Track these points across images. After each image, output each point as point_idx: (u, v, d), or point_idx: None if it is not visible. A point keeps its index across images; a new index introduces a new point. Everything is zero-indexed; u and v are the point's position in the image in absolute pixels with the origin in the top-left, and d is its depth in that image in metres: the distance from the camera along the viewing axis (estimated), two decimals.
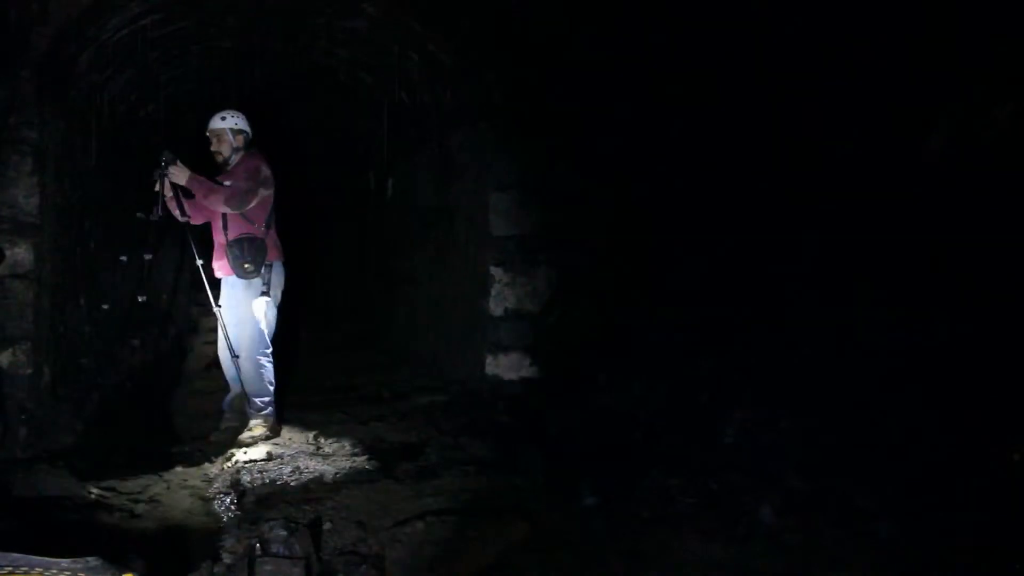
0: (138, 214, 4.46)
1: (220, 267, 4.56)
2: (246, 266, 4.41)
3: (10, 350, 4.32)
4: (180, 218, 4.44)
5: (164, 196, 4.29)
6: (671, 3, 4.98)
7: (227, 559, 2.86)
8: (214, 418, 4.83)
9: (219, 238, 4.53)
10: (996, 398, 3.14)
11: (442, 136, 6.23)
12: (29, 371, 4.38)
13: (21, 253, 4.39)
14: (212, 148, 4.58)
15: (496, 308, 5.16)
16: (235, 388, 4.67)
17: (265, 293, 4.50)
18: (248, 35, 6.05)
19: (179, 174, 4.28)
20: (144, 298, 4.70)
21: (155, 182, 4.28)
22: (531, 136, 5.10)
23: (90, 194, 5.54)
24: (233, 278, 4.49)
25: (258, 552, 2.87)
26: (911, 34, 3.92)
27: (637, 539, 2.93)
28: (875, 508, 2.93)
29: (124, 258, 4.43)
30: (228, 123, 4.53)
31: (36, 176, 4.42)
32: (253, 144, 4.65)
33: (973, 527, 2.70)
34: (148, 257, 4.50)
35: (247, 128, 4.58)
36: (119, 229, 6.43)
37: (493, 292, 5.15)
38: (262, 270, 4.45)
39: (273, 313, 4.59)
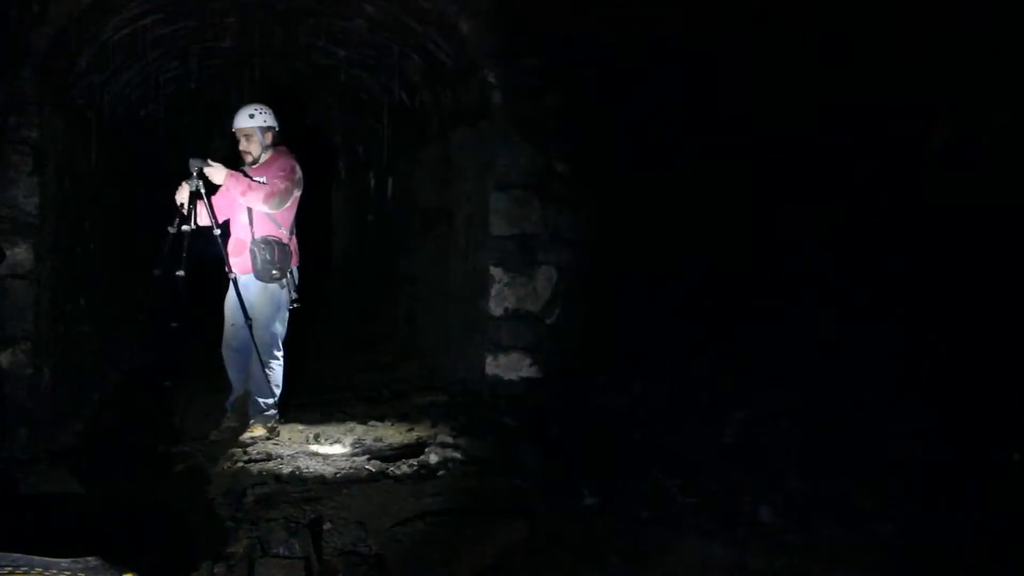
0: (169, 228, 4.22)
1: (238, 264, 4.42)
2: (274, 272, 4.29)
3: (10, 350, 4.32)
4: (215, 229, 4.24)
5: (195, 208, 4.13)
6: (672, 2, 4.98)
7: (227, 559, 2.86)
8: (214, 418, 4.83)
9: (243, 235, 4.40)
10: (996, 398, 3.14)
11: (442, 136, 6.23)
12: (29, 371, 4.38)
13: (21, 253, 4.39)
14: (241, 148, 4.41)
15: (496, 308, 5.15)
16: (237, 389, 4.66)
17: (295, 301, 4.44)
18: (249, 35, 6.05)
19: (216, 173, 4.11)
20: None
21: (189, 195, 4.11)
22: (531, 136, 5.10)
23: (90, 194, 5.55)
24: (249, 277, 4.41)
25: (258, 552, 2.87)
26: (911, 34, 3.92)
27: (637, 539, 2.93)
28: (875, 508, 2.93)
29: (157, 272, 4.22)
30: (257, 121, 4.33)
31: (36, 176, 4.41)
32: (281, 139, 4.48)
33: (973, 527, 2.71)
34: (157, 272, 4.25)
35: (275, 123, 4.41)
36: (124, 230, 6.44)
37: (493, 292, 5.15)
38: (285, 276, 4.38)
39: (286, 317, 4.54)
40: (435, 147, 6.43)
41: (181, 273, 4.21)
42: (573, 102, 5.11)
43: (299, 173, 4.37)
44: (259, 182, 4.26)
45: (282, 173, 4.27)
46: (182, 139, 8.31)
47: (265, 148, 4.41)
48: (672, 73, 5.04)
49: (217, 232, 4.28)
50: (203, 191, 4.16)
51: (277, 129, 4.44)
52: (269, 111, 4.41)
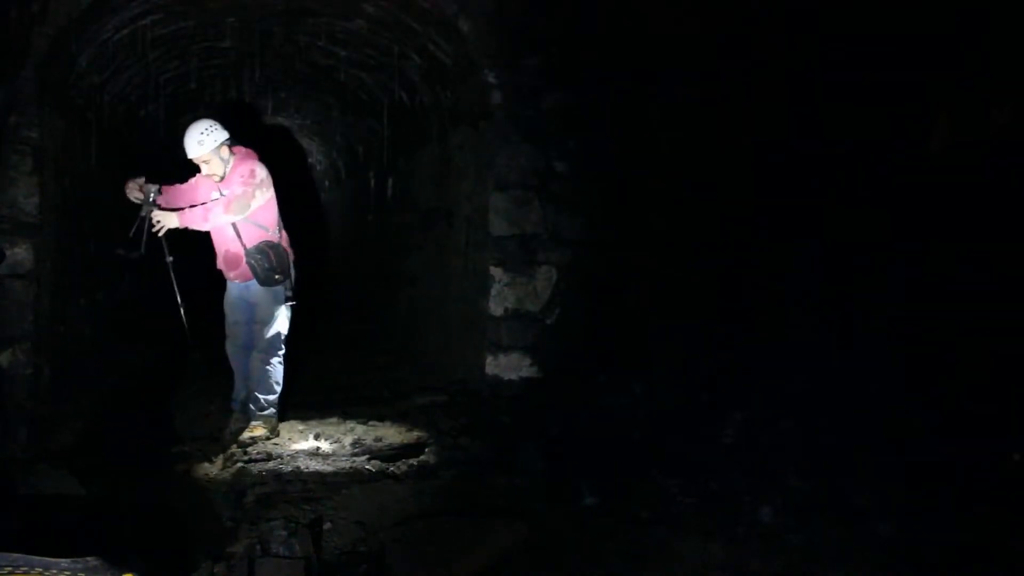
0: (118, 251, 4.23)
1: (238, 275, 4.43)
2: (276, 276, 4.29)
3: (10, 350, 4.32)
4: (167, 256, 4.32)
5: (147, 230, 4.07)
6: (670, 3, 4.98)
7: (227, 559, 2.86)
8: (214, 418, 4.83)
9: (232, 247, 4.39)
10: (996, 398, 3.14)
11: (442, 136, 6.24)
12: (29, 371, 4.38)
13: (21, 253, 4.39)
14: (204, 173, 4.36)
15: (496, 308, 5.16)
16: (240, 387, 4.66)
17: (290, 299, 4.44)
18: (249, 35, 6.06)
19: (168, 218, 4.11)
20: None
21: (140, 217, 4.06)
22: (531, 136, 5.10)
23: (90, 194, 5.55)
24: (252, 283, 4.39)
25: (258, 552, 2.87)
26: (911, 34, 3.92)
27: (637, 539, 2.93)
28: (875, 508, 2.93)
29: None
30: (208, 145, 4.22)
31: (36, 176, 4.42)
32: (235, 143, 4.41)
33: (973, 527, 2.71)
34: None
35: (225, 133, 4.30)
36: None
37: (493, 292, 5.15)
38: (288, 278, 4.38)
39: (289, 314, 4.54)
40: (435, 147, 6.43)
41: (171, 259, 4.32)
42: (573, 102, 5.11)
43: (260, 174, 4.29)
44: (215, 199, 4.26)
45: (240, 179, 4.24)
46: (182, 139, 8.31)
47: (226, 161, 4.34)
48: (672, 72, 5.04)
49: (170, 260, 4.34)
50: (153, 212, 4.09)
51: (228, 136, 4.31)
52: (215, 125, 4.29)
